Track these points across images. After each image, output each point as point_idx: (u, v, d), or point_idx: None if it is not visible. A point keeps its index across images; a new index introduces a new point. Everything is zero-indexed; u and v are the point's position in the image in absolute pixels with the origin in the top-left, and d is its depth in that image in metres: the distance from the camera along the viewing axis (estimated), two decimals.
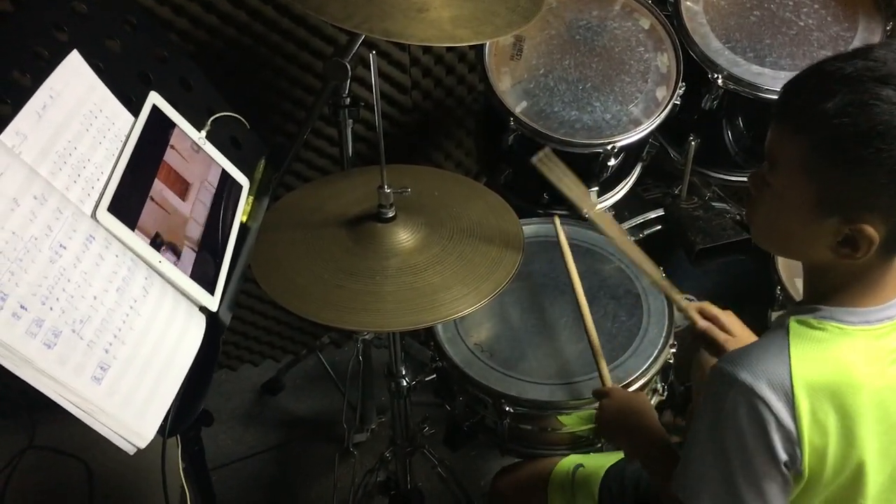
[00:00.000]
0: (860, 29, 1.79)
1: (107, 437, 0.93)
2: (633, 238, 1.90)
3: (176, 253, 1.10)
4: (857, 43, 1.78)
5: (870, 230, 0.89)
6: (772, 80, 1.74)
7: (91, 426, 0.92)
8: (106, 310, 0.95)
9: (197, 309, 1.11)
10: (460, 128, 2.30)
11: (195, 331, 1.08)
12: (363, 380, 2.12)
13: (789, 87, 0.94)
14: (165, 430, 0.99)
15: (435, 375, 1.61)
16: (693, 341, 1.43)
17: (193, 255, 1.14)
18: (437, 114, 2.23)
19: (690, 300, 2.09)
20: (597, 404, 1.39)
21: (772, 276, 1.74)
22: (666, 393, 1.62)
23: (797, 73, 0.95)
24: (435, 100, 2.20)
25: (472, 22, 1.34)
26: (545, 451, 1.57)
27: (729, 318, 1.36)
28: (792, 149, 0.91)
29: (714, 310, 1.38)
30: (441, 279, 1.28)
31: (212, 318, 1.12)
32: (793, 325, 0.96)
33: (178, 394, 1.01)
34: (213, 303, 1.13)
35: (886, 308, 0.96)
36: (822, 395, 0.91)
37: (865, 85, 0.85)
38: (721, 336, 1.33)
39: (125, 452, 0.95)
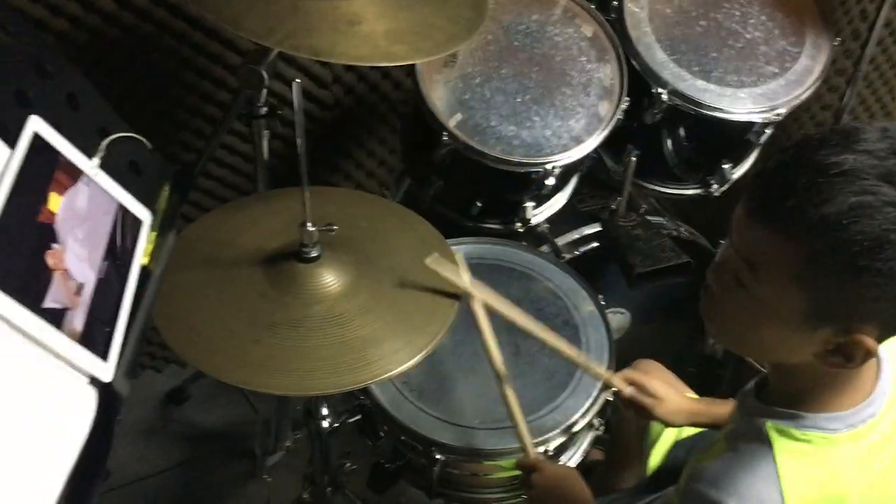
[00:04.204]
0: (807, 45, 1.73)
1: None
2: (566, 256, 1.82)
3: (61, 314, 0.93)
4: (804, 60, 1.71)
5: (869, 341, 0.80)
6: (717, 98, 1.66)
7: None
8: None
9: (86, 381, 0.94)
10: (384, 124, 2.15)
11: (83, 410, 0.91)
12: (278, 397, 1.98)
13: (774, 182, 0.80)
14: None
15: (359, 416, 1.48)
16: (622, 407, 1.38)
17: (84, 313, 0.97)
18: (359, 110, 2.07)
19: (623, 314, 2.05)
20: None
21: None
22: (602, 428, 1.54)
23: (772, 161, 0.82)
24: (357, 95, 2.04)
25: (409, 36, 1.20)
26: (477, 494, 1.47)
27: (652, 381, 1.31)
28: (781, 255, 0.80)
29: (636, 376, 1.32)
30: (370, 330, 1.14)
31: (105, 390, 0.96)
32: (773, 436, 0.87)
33: (65, 489, 0.85)
34: (106, 372, 0.96)
35: (867, 406, 0.88)
36: None
37: (868, 184, 0.74)
38: (647, 401, 1.29)
39: None
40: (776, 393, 0.93)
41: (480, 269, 1.60)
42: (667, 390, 1.28)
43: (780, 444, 0.86)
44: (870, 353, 0.81)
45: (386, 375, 1.10)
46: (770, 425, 0.88)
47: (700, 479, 0.88)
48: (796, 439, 0.86)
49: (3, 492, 0.79)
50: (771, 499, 0.83)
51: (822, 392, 0.88)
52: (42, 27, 1.52)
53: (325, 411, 1.45)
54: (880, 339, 0.81)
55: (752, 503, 0.83)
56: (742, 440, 0.90)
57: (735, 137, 1.75)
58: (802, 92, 1.68)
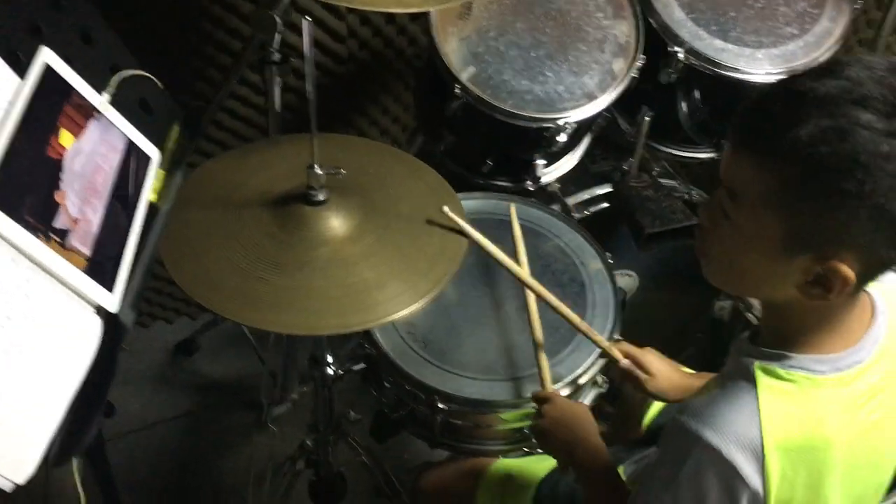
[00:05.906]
0: (828, 7, 1.70)
1: None
2: (576, 216, 1.81)
3: (64, 234, 0.94)
4: (824, 22, 1.68)
5: (845, 269, 0.79)
6: (735, 58, 1.65)
7: None
8: None
9: (92, 310, 0.96)
10: (398, 81, 2.14)
11: (88, 338, 0.93)
12: (286, 348, 2.00)
13: (753, 109, 0.82)
14: (49, 459, 0.85)
15: (363, 364, 1.49)
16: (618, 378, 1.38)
17: (89, 241, 0.98)
18: (374, 65, 2.06)
19: (631, 276, 2.04)
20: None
21: None
22: (607, 386, 1.54)
23: (762, 90, 0.83)
24: (372, 50, 2.03)
25: None
26: (479, 445, 1.48)
27: (647, 356, 1.31)
28: (758, 180, 0.80)
29: (632, 349, 1.32)
30: (375, 274, 1.15)
31: (110, 320, 0.97)
32: (759, 374, 0.87)
33: (67, 415, 0.87)
34: (112, 302, 0.97)
35: (855, 352, 0.88)
36: (792, 455, 0.84)
37: (842, 108, 0.75)
38: (641, 375, 1.29)
39: None
40: (767, 334, 0.94)
41: (489, 224, 1.59)
42: (659, 366, 1.28)
43: (764, 382, 0.87)
44: (847, 283, 0.80)
45: (389, 318, 1.11)
46: (757, 365, 0.88)
47: (684, 412, 0.89)
48: (780, 378, 0.87)
49: (9, 414, 0.81)
50: (749, 434, 0.83)
51: (811, 333, 0.88)
52: None
53: (330, 359, 1.46)
54: (863, 272, 0.80)
55: (730, 437, 0.83)
56: (729, 379, 0.91)
57: None
58: (821, 54, 1.66)
